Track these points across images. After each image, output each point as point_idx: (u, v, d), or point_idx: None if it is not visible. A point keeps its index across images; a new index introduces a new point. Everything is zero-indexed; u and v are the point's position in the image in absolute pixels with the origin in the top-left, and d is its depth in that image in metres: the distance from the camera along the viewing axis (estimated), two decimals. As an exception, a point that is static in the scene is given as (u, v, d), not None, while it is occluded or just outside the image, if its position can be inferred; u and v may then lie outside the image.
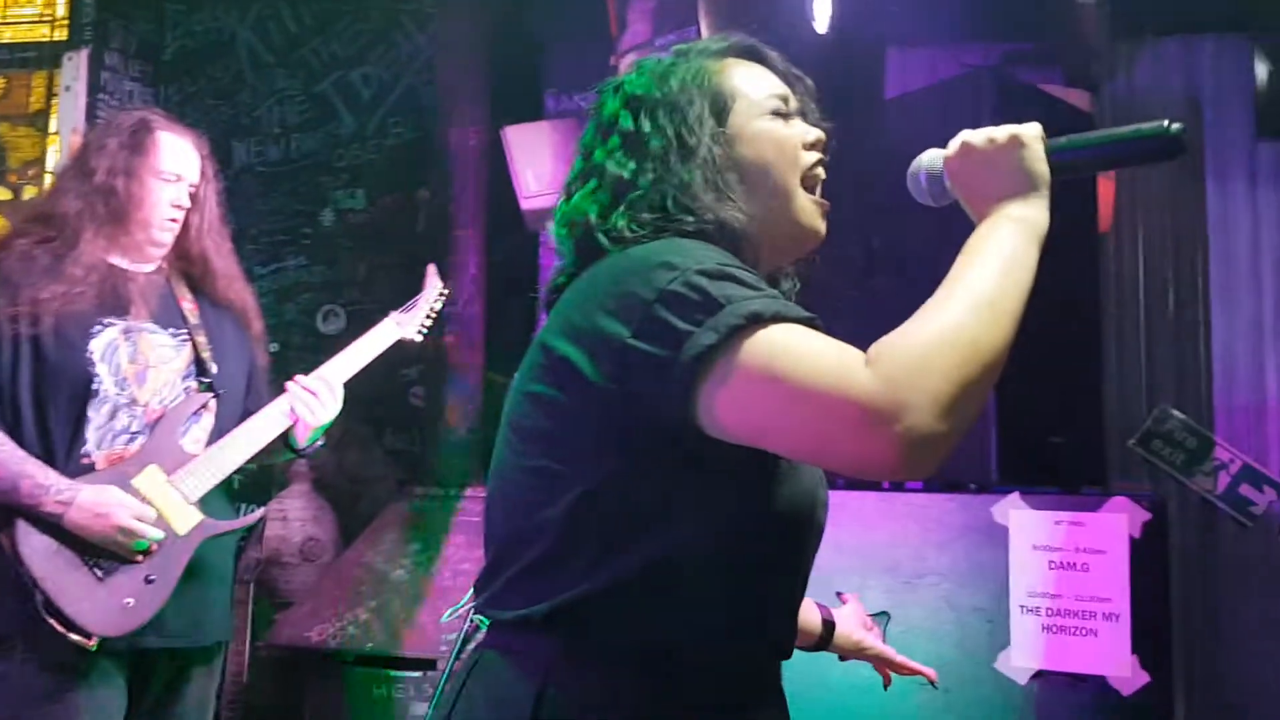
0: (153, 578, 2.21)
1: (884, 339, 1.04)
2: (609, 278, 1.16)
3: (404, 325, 2.68)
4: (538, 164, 3.98)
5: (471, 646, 1.24)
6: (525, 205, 4.03)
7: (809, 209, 1.31)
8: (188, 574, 2.26)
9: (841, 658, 1.71)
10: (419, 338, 2.73)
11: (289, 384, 2.45)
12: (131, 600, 2.18)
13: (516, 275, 4.63)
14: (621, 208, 1.23)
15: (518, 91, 4.61)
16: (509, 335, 4.53)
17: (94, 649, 2.13)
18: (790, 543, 1.23)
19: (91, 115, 4.91)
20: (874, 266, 2.72)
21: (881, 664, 1.73)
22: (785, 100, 1.33)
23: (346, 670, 3.68)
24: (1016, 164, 1.20)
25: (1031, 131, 1.22)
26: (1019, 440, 2.68)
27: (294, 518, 4.39)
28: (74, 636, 2.11)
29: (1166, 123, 1.20)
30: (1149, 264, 4.05)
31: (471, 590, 1.27)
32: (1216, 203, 4.00)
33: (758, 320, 1.06)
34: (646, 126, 1.27)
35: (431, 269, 2.85)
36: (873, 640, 1.71)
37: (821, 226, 1.32)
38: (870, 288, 2.74)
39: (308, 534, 4.38)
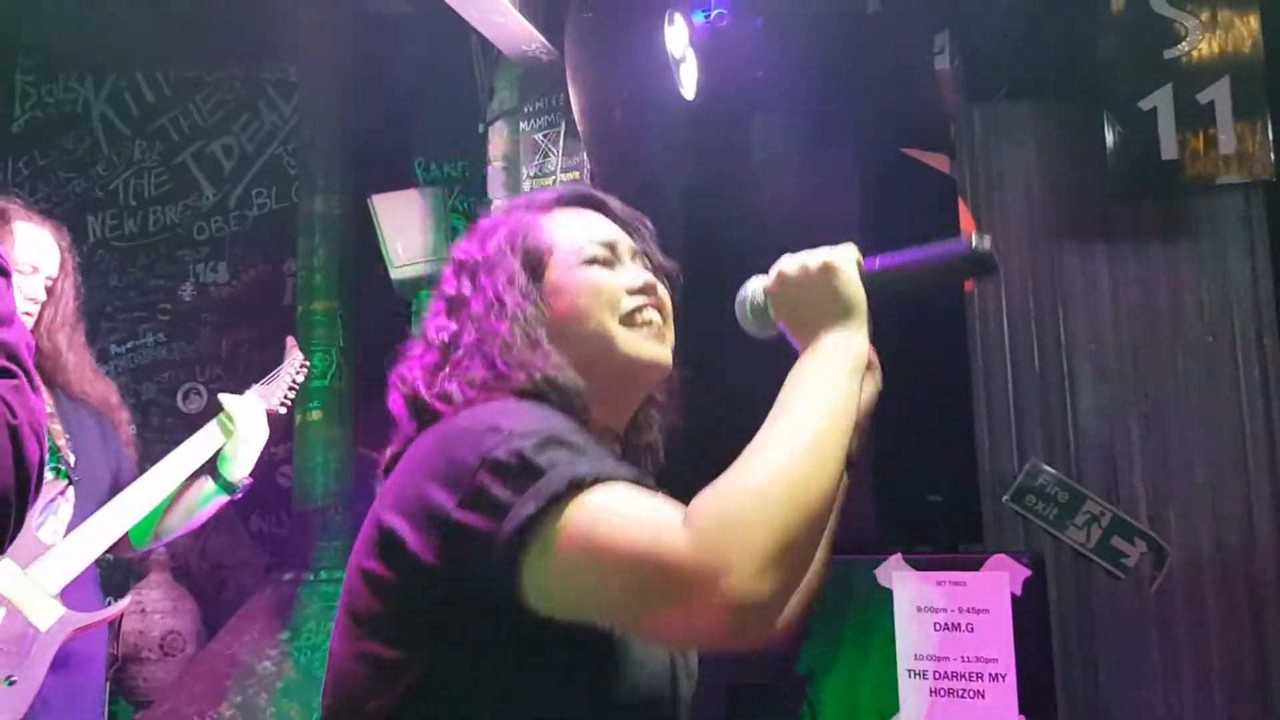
0: (14, 679, 2.04)
1: (704, 495, 0.98)
2: (439, 442, 1.11)
3: (266, 398, 2.59)
4: (407, 233, 3.90)
5: None
6: (395, 275, 3.94)
7: (633, 341, 1.26)
8: (54, 673, 2.10)
9: None
10: (282, 409, 2.65)
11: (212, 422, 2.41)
12: None
13: (387, 347, 4.50)
14: (447, 369, 1.21)
15: (385, 160, 4.53)
16: (379, 410, 4.38)
17: None
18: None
19: (-70, 189, 4.67)
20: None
21: None
22: (611, 246, 1.29)
23: (209, 773, 3.46)
24: (832, 290, 1.18)
25: (845, 256, 1.20)
26: (898, 501, 2.68)
27: (152, 609, 4.15)
28: None
29: (974, 241, 1.20)
30: (1013, 323, 4.15)
31: None
32: (1073, 262, 4.13)
33: (579, 486, 0.99)
34: (467, 289, 1.26)
35: (291, 341, 2.80)
36: None
37: (658, 352, 1.28)
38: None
39: (167, 627, 4.14)
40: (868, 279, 1.20)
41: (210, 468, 2.44)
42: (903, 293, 1.24)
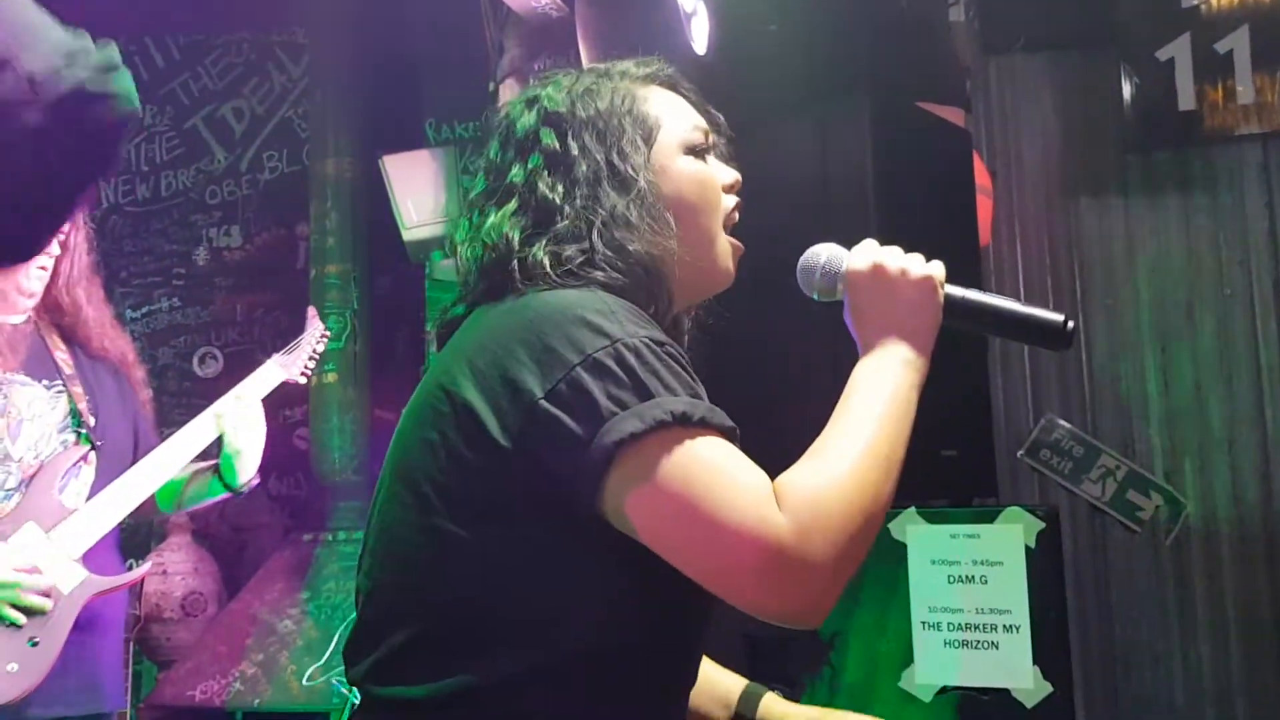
0: (37, 640, 2.06)
1: (794, 479, 1.01)
2: (525, 323, 1.05)
3: (287, 367, 2.60)
4: (418, 193, 3.88)
5: None
6: (407, 236, 3.93)
7: (727, 252, 1.25)
8: (76, 635, 2.12)
9: None
10: (303, 379, 2.66)
11: (212, 409, 2.37)
12: (14, 666, 2.03)
13: (400, 309, 4.52)
14: (545, 239, 1.13)
15: (395, 121, 4.52)
16: (395, 371, 4.41)
17: None
18: (692, 629, 1.17)
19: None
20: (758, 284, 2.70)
21: None
22: (706, 135, 1.26)
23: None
24: (923, 308, 1.18)
25: (940, 274, 1.19)
26: (913, 455, 2.68)
27: (174, 571, 4.19)
28: None
29: (1063, 319, 1.20)
30: (1029, 277, 4.13)
31: (341, 655, 1.17)
32: (1090, 215, 4.09)
33: (684, 422, 0.99)
34: (574, 148, 1.17)
35: (312, 311, 2.80)
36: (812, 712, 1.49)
37: (733, 269, 1.27)
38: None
39: (189, 588, 4.19)
40: (949, 306, 1.20)
41: (215, 466, 2.39)
42: (961, 328, 1.23)
